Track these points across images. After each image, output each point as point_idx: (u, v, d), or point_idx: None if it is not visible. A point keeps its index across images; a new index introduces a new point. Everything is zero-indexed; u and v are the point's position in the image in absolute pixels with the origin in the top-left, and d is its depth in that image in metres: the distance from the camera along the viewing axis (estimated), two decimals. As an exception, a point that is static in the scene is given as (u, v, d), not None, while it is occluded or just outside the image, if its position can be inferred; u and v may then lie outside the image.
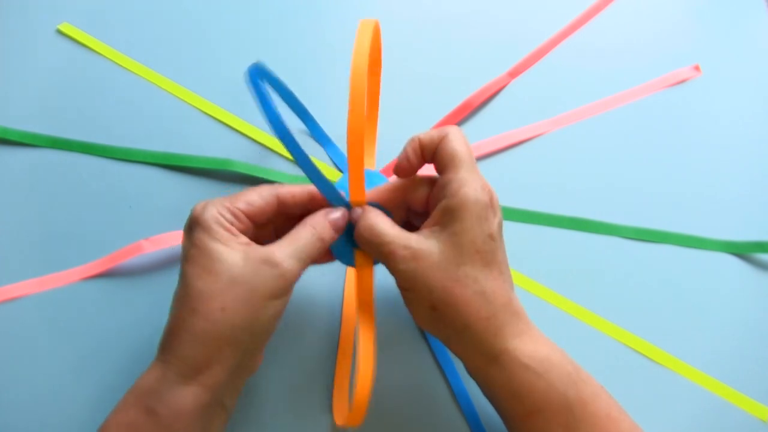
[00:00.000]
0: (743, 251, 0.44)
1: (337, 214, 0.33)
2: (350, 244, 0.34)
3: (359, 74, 0.30)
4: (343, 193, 0.34)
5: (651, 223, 0.45)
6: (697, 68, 0.50)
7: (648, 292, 0.43)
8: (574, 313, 0.42)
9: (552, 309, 0.42)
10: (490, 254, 0.30)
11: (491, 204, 0.31)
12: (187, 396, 0.29)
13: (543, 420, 0.30)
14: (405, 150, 0.34)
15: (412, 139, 0.33)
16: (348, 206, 0.34)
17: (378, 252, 0.32)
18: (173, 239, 0.42)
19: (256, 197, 0.32)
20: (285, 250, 0.31)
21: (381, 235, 0.31)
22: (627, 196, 0.46)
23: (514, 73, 0.49)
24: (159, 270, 0.42)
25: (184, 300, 0.30)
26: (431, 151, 0.33)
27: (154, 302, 0.41)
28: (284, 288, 0.31)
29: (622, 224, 0.45)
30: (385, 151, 0.46)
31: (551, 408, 0.30)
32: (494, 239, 0.31)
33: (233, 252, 0.30)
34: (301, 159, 0.31)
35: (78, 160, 0.45)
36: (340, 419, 0.37)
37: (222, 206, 0.31)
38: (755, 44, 0.51)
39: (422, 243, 0.31)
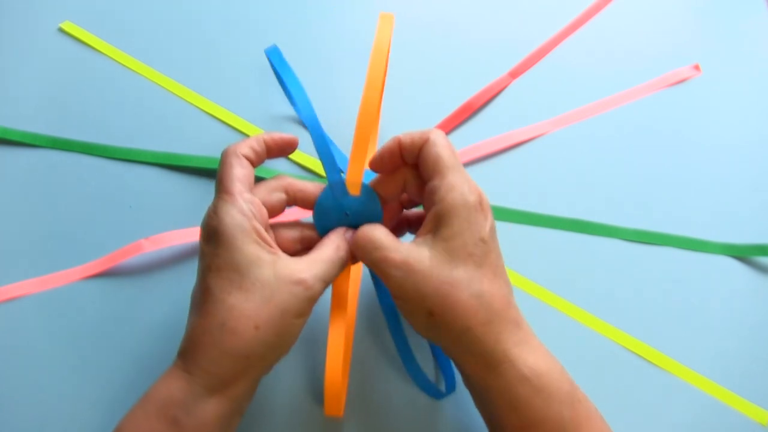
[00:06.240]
0: (743, 254, 0.44)
1: (352, 234, 0.34)
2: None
3: (380, 50, 0.31)
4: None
5: (651, 225, 0.45)
6: (697, 68, 0.50)
7: (648, 294, 0.43)
8: (575, 316, 0.42)
9: (552, 311, 0.42)
10: (482, 257, 0.30)
11: (481, 207, 0.31)
12: (212, 408, 0.29)
13: None
14: (383, 148, 0.33)
15: (393, 139, 0.33)
16: (341, 183, 0.34)
17: (371, 258, 0.32)
18: (173, 239, 0.42)
19: (239, 171, 0.32)
20: (313, 270, 0.31)
21: (374, 241, 0.32)
22: (627, 198, 0.46)
23: (515, 74, 0.48)
24: (159, 269, 0.42)
25: (210, 312, 0.29)
26: (413, 154, 0.32)
27: (154, 301, 0.41)
28: (310, 308, 0.31)
29: (622, 226, 0.45)
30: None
31: (545, 425, 0.29)
32: (486, 242, 0.30)
33: (263, 269, 0.29)
34: (315, 131, 0.34)
35: (78, 160, 0.45)
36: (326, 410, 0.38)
37: (235, 206, 0.30)
38: (755, 44, 0.51)
39: (413, 250, 0.31)
